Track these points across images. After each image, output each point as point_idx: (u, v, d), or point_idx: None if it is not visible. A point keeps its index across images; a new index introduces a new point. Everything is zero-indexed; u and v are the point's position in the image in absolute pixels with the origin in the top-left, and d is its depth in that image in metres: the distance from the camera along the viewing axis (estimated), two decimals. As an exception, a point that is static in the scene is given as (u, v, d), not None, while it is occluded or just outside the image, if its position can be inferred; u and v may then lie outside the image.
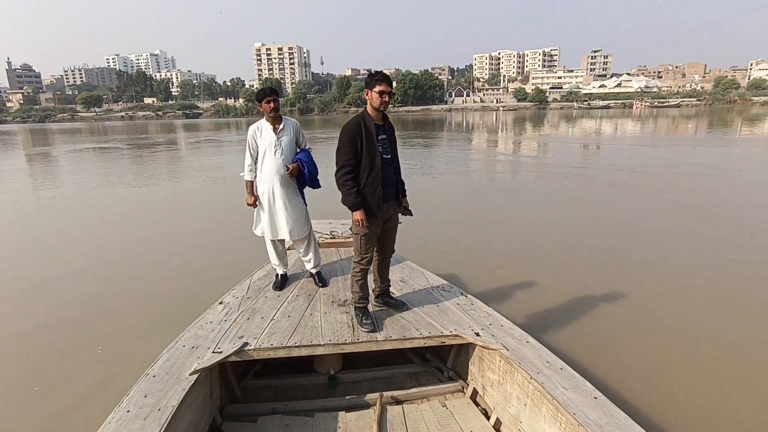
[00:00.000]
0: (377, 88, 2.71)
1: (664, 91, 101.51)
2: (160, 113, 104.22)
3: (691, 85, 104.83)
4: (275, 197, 3.47)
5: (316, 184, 3.65)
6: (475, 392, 2.83)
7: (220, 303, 3.20)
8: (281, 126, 3.47)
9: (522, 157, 18.05)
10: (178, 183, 12.95)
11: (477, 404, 2.78)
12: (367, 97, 2.81)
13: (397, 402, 2.80)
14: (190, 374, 2.29)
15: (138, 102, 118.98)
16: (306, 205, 3.70)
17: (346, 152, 2.76)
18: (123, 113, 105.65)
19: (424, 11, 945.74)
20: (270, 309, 3.09)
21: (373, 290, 3.20)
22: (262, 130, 3.45)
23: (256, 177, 3.53)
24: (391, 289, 3.32)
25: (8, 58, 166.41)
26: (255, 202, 3.56)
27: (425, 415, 2.64)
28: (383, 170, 2.82)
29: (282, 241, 3.64)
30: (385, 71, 3.34)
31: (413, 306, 3.14)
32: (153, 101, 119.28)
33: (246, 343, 2.59)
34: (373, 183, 2.79)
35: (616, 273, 5.39)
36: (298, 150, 3.62)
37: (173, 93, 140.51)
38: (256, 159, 3.49)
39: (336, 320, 2.95)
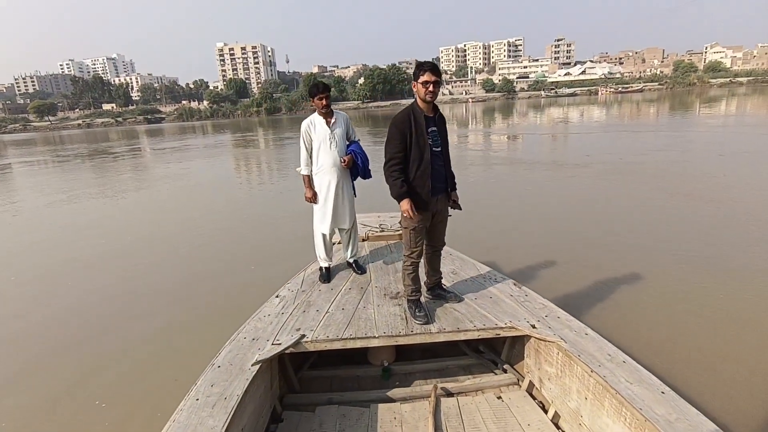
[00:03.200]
0: (421, 79, 2.65)
1: (626, 76, 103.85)
2: (120, 119, 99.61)
3: (651, 70, 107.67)
4: (335, 188, 3.54)
5: (367, 175, 3.71)
6: (531, 385, 2.77)
7: (277, 296, 3.26)
8: (333, 119, 3.52)
9: (509, 151, 17.53)
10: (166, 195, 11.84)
11: (533, 397, 2.71)
12: (414, 90, 2.76)
13: (452, 394, 2.78)
14: (252, 365, 2.37)
15: (96, 109, 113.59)
16: (356, 195, 3.78)
17: (395, 145, 2.74)
18: (80, 121, 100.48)
19: (387, 5, 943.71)
20: (324, 302, 3.14)
21: (425, 282, 3.20)
22: (315, 125, 3.50)
23: (311, 171, 3.59)
24: (442, 280, 3.29)
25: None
26: (314, 197, 3.60)
27: (480, 408, 2.61)
28: (433, 163, 2.77)
29: (332, 235, 3.71)
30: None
31: (466, 298, 3.10)
32: (112, 107, 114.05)
33: (303, 335, 2.65)
34: (423, 176, 2.75)
35: (663, 263, 5.21)
36: (348, 142, 3.67)
37: (134, 98, 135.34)
38: (311, 153, 3.54)
39: (389, 312, 2.95)
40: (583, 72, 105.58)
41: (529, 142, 19.38)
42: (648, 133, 19.06)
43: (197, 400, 2.10)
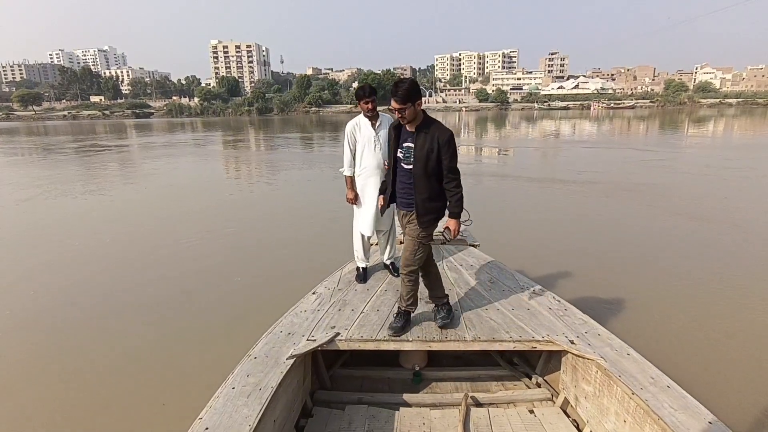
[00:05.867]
0: (391, 103, 2.64)
1: (618, 92, 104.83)
2: (107, 112, 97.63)
3: (641, 87, 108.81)
4: (376, 191, 3.46)
5: None
6: (566, 402, 2.70)
7: (313, 293, 3.26)
8: (378, 122, 3.52)
9: (506, 165, 16.90)
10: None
11: (568, 415, 2.64)
12: None
13: (482, 404, 2.75)
14: (287, 359, 2.40)
15: (83, 100, 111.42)
16: None
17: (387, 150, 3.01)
18: (66, 112, 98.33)
19: (385, 10, 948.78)
20: (360, 302, 3.14)
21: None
22: (360, 126, 3.50)
23: (354, 172, 3.58)
24: (479, 288, 3.32)
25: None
26: (356, 198, 3.58)
27: (512, 421, 2.56)
28: (398, 176, 2.81)
29: (369, 237, 3.69)
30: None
31: (502, 308, 3.04)
32: (100, 99, 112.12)
33: (338, 334, 2.66)
34: (386, 180, 2.90)
35: (706, 288, 5.00)
36: None
37: (124, 91, 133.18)
38: (354, 155, 3.53)
39: (423, 317, 2.93)
40: (576, 86, 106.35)
41: (526, 155, 18.90)
42: (646, 152, 18.64)
43: (233, 388, 2.14)
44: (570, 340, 2.57)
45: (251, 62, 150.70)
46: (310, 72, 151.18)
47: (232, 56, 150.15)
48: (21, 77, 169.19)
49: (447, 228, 2.75)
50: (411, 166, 2.69)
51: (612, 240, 6.82)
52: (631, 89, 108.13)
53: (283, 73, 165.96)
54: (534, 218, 8.16)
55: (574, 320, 2.82)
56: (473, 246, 4.29)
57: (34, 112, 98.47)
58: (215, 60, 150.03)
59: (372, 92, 3.40)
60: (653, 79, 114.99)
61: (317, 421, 2.58)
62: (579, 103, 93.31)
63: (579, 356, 2.48)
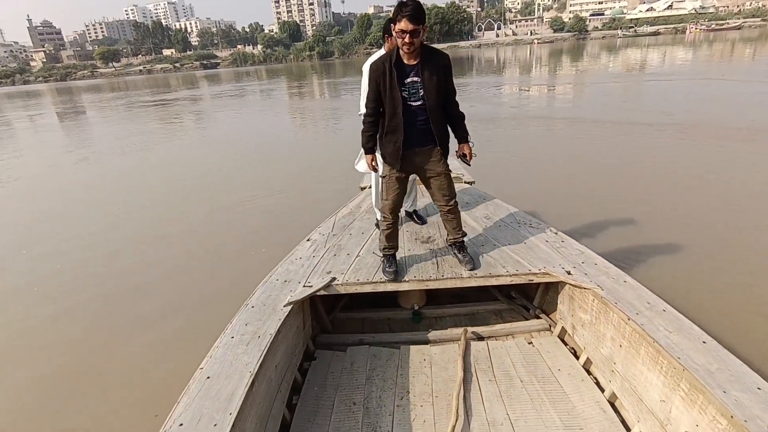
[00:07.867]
0: (397, 27, 2.32)
1: (721, 11, 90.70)
2: (177, 65, 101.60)
3: (752, 3, 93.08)
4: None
5: None
6: (563, 331, 2.77)
7: (308, 240, 3.26)
8: None
9: (582, 106, 15.24)
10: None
11: (565, 343, 2.70)
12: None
13: (482, 338, 2.80)
14: (284, 306, 2.42)
15: (156, 54, 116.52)
16: None
17: (369, 94, 2.59)
18: (141, 67, 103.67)
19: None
20: (355, 246, 3.14)
21: (446, 239, 3.00)
22: None
23: None
24: (474, 224, 3.32)
25: (28, 16, 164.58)
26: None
27: (510, 351, 2.63)
28: (408, 119, 2.49)
29: None
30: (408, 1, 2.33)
31: (499, 243, 3.03)
32: (171, 52, 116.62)
33: (334, 278, 2.68)
34: (394, 132, 2.52)
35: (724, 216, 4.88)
36: None
37: (192, 42, 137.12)
38: None
39: (420, 257, 2.95)
40: (670, 6, 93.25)
41: (604, 93, 16.83)
42: (755, 84, 15.86)
43: (232, 338, 2.17)
44: (567, 271, 2.58)
45: (312, 4, 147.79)
46: (371, 11, 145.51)
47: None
48: (103, 35, 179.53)
49: (463, 154, 2.66)
50: (421, 102, 2.48)
51: (707, 204, 5.68)
52: (738, 6, 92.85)
53: (344, 14, 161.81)
54: (609, 169, 7.11)
55: (570, 251, 2.81)
56: (468, 184, 4.22)
57: (114, 69, 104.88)
58: (277, 4, 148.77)
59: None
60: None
61: (320, 363, 2.65)
62: (672, 26, 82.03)
63: (576, 286, 2.48)
